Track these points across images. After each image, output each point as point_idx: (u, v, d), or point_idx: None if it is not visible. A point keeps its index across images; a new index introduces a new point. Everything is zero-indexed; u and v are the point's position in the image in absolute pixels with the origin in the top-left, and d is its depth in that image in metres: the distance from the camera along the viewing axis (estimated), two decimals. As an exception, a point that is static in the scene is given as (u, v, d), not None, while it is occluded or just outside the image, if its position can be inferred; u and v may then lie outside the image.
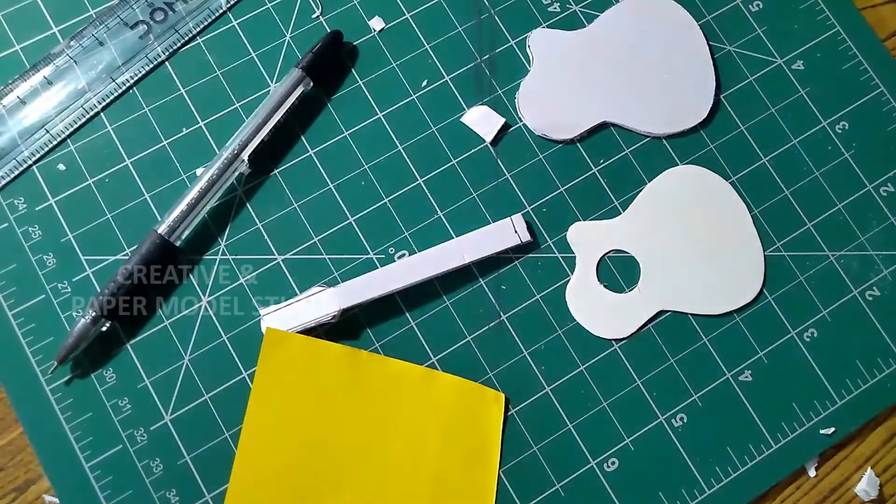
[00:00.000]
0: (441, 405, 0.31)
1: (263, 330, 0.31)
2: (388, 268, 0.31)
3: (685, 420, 0.31)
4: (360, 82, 0.34)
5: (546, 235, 0.33)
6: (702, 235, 0.33)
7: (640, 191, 0.33)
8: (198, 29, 0.34)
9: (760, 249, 0.33)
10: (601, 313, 0.32)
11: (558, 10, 0.35)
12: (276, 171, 0.33)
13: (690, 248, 0.33)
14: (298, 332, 0.31)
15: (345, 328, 0.31)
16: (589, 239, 0.33)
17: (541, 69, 0.34)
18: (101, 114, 0.33)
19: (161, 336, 0.31)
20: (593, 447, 0.31)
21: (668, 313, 0.32)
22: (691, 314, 0.32)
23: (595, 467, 0.31)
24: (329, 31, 0.34)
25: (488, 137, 0.34)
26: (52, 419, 0.30)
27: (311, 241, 0.32)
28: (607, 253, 0.33)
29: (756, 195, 0.34)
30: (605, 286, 0.32)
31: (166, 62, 0.34)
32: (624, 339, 0.32)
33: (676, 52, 0.35)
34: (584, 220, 0.33)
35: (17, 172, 0.32)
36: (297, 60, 0.33)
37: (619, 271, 0.33)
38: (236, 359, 0.31)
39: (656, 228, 0.33)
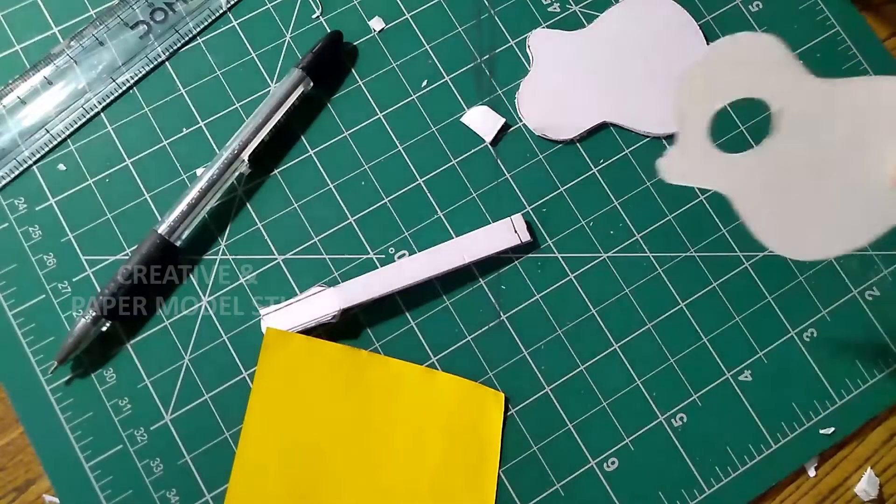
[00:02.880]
0: (441, 405, 0.31)
1: (263, 330, 0.31)
2: (388, 268, 0.31)
3: (685, 420, 0.32)
4: (360, 82, 0.34)
5: (546, 235, 0.33)
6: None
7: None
8: (198, 29, 0.34)
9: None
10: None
11: (558, 10, 0.35)
12: (276, 171, 0.33)
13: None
14: (298, 332, 0.31)
15: (345, 328, 0.32)
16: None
17: (541, 69, 0.34)
18: (102, 114, 0.33)
19: (161, 336, 0.31)
20: (593, 447, 0.31)
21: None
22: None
23: (595, 467, 0.31)
24: (329, 31, 0.34)
25: (488, 137, 0.34)
26: (52, 419, 0.30)
27: (311, 241, 0.32)
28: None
29: (756, 195, 0.34)
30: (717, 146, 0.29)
31: (166, 62, 0.34)
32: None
33: (676, 52, 0.35)
34: (584, 220, 0.33)
35: (17, 172, 0.32)
36: (298, 60, 0.33)
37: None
38: (236, 359, 0.31)
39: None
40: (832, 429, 0.32)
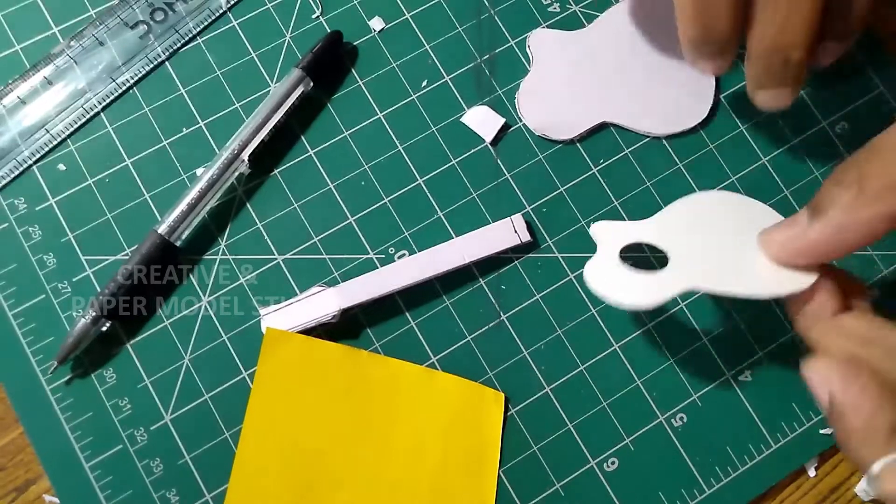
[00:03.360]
0: (441, 405, 0.31)
1: (263, 330, 0.31)
2: (388, 268, 0.31)
3: (685, 420, 0.32)
4: (360, 82, 0.34)
5: (546, 235, 0.33)
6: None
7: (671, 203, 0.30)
8: (198, 29, 0.34)
9: None
10: (624, 284, 0.28)
11: (558, 10, 0.35)
12: (276, 171, 0.33)
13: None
14: (298, 332, 0.31)
15: (345, 328, 0.32)
16: (614, 236, 0.29)
17: (540, 69, 0.34)
18: (102, 114, 0.33)
19: (161, 336, 0.31)
20: (593, 447, 0.31)
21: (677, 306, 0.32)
22: (724, 293, 0.28)
23: (595, 467, 0.31)
24: (329, 31, 0.34)
25: (488, 137, 0.34)
26: (52, 419, 0.30)
27: (311, 241, 0.32)
28: (631, 246, 0.29)
29: (756, 195, 0.34)
30: (629, 265, 0.29)
31: (166, 62, 0.34)
32: (650, 308, 0.28)
33: (676, 52, 0.35)
34: (583, 220, 0.33)
35: (17, 172, 0.32)
36: (298, 60, 0.33)
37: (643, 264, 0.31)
38: (236, 359, 0.31)
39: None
40: (832, 429, 0.32)
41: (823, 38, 0.29)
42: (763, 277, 0.27)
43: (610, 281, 0.28)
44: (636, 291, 0.28)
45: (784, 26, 0.27)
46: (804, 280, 0.27)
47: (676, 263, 0.28)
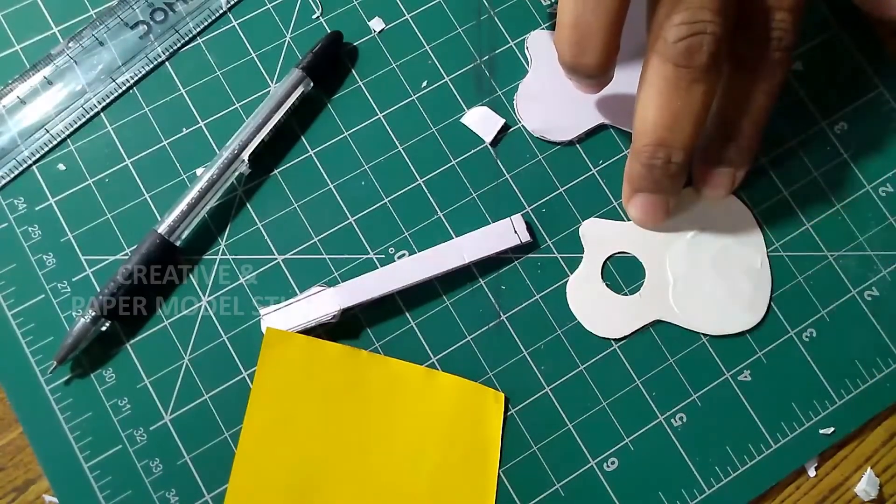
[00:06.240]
0: (441, 405, 0.31)
1: (263, 330, 0.31)
2: (388, 268, 0.31)
3: (685, 420, 0.32)
4: (361, 83, 0.34)
5: (546, 236, 0.33)
6: (712, 256, 0.33)
7: None
8: (198, 29, 0.34)
9: (769, 280, 0.33)
10: (599, 311, 0.32)
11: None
12: (276, 172, 0.33)
13: (699, 266, 0.32)
14: (298, 332, 0.31)
15: (345, 328, 0.32)
16: (600, 236, 0.33)
17: (539, 70, 0.34)
18: (101, 114, 0.33)
19: (161, 336, 0.31)
20: (593, 447, 0.31)
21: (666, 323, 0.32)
22: (687, 328, 0.32)
23: (595, 467, 0.31)
24: (329, 31, 0.34)
25: (488, 138, 0.34)
26: (51, 419, 0.30)
27: (311, 241, 0.32)
28: (616, 253, 0.33)
29: (755, 195, 0.34)
30: (607, 285, 0.32)
31: (166, 62, 0.34)
32: (618, 339, 0.32)
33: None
34: (583, 220, 0.33)
35: (16, 172, 0.32)
36: (298, 61, 0.33)
37: (624, 273, 0.33)
38: (236, 359, 0.31)
39: (669, 240, 0.33)
40: (832, 429, 0.32)
41: (717, 163, 0.31)
42: (721, 314, 0.32)
43: (587, 306, 0.32)
44: (607, 323, 0.32)
45: (674, 121, 0.27)
46: (748, 323, 0.32)
47: (648, 289, 0.32)
